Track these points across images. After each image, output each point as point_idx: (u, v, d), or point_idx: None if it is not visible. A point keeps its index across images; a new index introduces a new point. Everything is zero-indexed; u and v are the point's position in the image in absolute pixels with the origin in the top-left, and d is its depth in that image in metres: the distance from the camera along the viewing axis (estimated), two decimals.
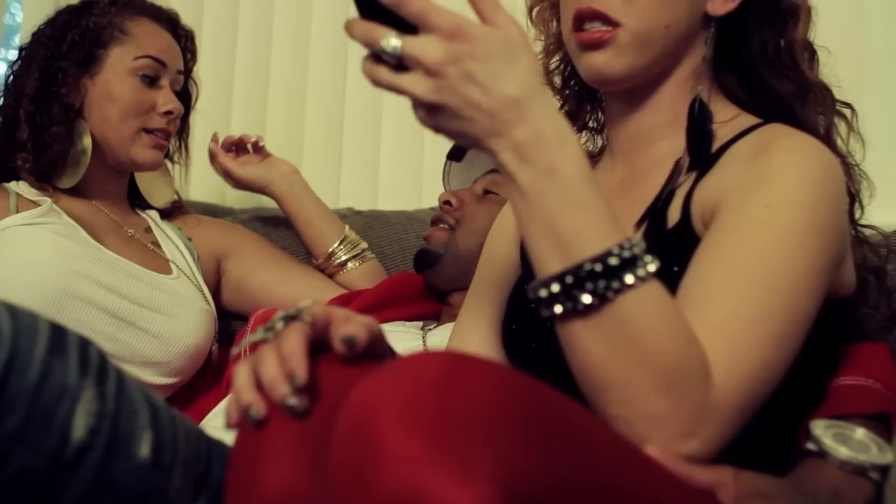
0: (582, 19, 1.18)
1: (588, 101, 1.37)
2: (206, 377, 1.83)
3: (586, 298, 0.88)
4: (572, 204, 0.89)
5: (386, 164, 2.44)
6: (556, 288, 0.89)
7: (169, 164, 1.99)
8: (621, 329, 0.88)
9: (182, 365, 1.75)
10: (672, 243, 1.11)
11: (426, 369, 0.78)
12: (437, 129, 0.90)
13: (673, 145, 1.21)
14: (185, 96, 1.94)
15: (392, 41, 0.86)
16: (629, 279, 0.88)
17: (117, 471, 0.96)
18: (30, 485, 0.92)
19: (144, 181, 1.96)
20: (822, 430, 1.04)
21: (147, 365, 1.69)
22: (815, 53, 1.27)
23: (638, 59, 1.18)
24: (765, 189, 1.05)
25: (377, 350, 1.00)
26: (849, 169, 1.24)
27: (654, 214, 1.16)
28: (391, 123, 2.42)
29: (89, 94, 1.79)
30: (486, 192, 1.79)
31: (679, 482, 0.89)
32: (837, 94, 1.27)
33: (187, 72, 1.94)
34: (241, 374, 0.91)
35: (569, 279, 0.88)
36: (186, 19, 1.96)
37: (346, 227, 2.04)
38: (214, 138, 2.06)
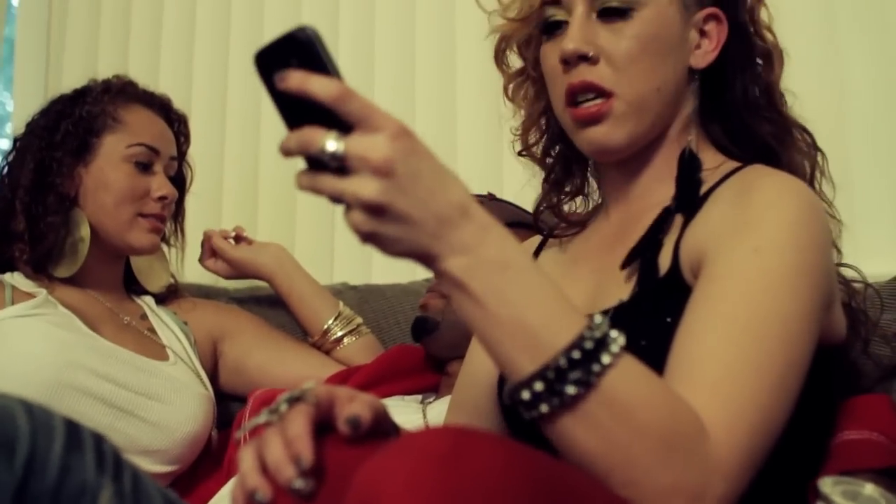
0: (574, 93, 1.18)
1: (575, 165, 1.37)
2: (206, 463, 1.81)
3: (571, 390, 0.85)
4: (533, 295, 0.87)
5: None
6: (539, 387, 0.85)
7: (165, 248, 1.99)
8: (610, 411, 0.86)
9: (181, 452, 1.73)
10: (664, 293, 1.11)
11: (429, 447, 0.78)
12: (374, 237, 0.85)
13: (665, 194, 1.21)
14: (180, 180, 1.95)
15: (334, 141, 0.81)
16: (606, 359, 0.85)
17: None
18: None
19: (140, 266, 1.96)
20: (831, 488, 1.04)
21: (146, 454, 1.68)
22: (783, 96, 1.28)
23: (636, 125, 1.19)
24: (751, 233, 1.04)
25: (382, 428, 0.99)
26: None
27: (645, 263, 1.16)
28: None
29: (84, 183, 1.80)
30: None
31: None
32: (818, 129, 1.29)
33: (181, 155, 1.95)
34: (247, 458, 0.90)
35: (550, 374, 0.85)
36: (175, 103, 1.97)
37: (341, 303, 2.04)
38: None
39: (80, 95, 1.87)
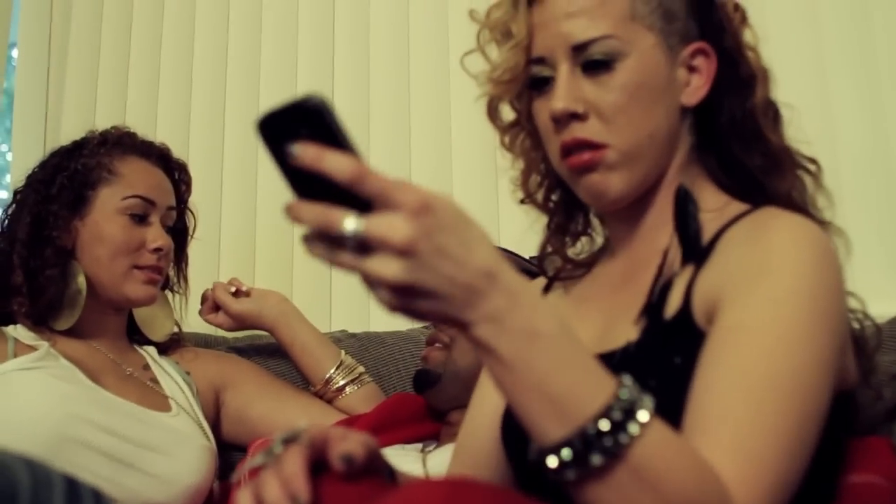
0: (569, 150, 1.19)
1: (576, 209, 1.36)
2: None
3: (598, 460, 0.84)
4: (561, 363, 0.85)
5: None
6: (566, 455, 0.84)
7: (169, 295, 1.99)
8: (637, 480, 0.85)
9: None
10: (673, 334, 1.10)
11: (425, 498, 0.78)
12: (405, 310, 0.83)
13: (670, 232, 1.20)
14: (182, 228, 1.96)
15: (353, 223, 0.78)
16: (635, 429, 0.84)
17: None
18: None
19: (143, 315, 1.96)
20: None
21: None
22: (779, 112, 1.27)
23: (631, 173, 1.19)
24: (767, 281, 1.03)
25: (375, 466, 1.00)
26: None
27: (653, 305, 1.15)
28: None
29: (80, 236, 1.80)
30: None
31: None
32: (806, 151, 1.27)
33: (182, 204, 1.96)
34: (244, 500, 0.90)
35: (577, 444, 0.84)
36: (173, 152, 1.97)
37: (343, 352, 2.04)
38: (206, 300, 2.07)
39: (77, 148, 1.87)
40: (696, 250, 1.15)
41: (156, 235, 1.83)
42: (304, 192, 0.81)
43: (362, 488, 0.91)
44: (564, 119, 1.18)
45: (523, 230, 1.43)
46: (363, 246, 0.79)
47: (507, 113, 1.33)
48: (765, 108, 1.24)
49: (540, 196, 1.36)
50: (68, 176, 1.82)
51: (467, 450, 1.33)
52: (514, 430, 1.21)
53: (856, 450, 1.21)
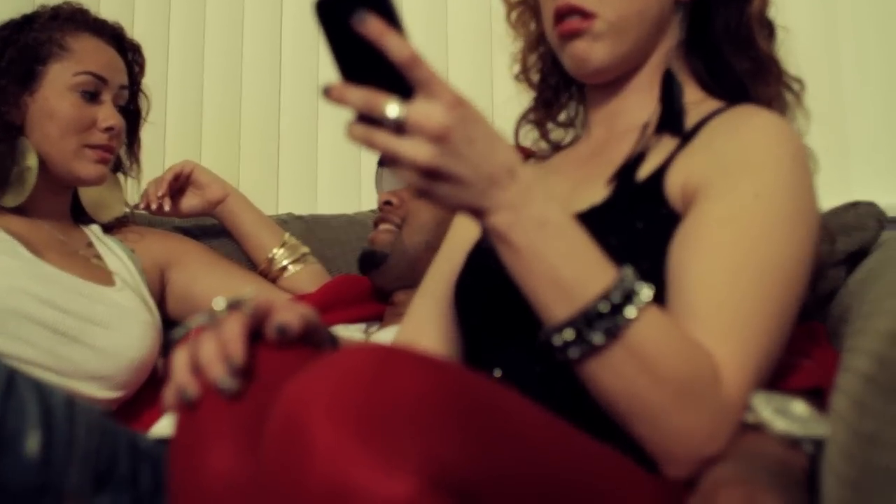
0: (561, 15, 1.23)
1: (565, 92, 1.43)
2: (151, 390, 1.80)
3: (598, 339, 0.93)
4: (569, 252, 0.94)
5: (324, 168, 2.45)
6: (569, 335, 0.94)
7: (121, 178, 1.97)
8: (634, 360, 0.93)
9: (127, 378, 1.73)
10: (639, 199, 1.16)
11: (356, 363, 0.79)
12: (427, 194, 0.92)
13: (646, 115, 1.26)
14: (135, 109, 1.93)
15: (396, 108, 0.87)
16: (631, 312, 0.93)
17: (3, 469, 0.96)
18: None
19: (92, 197, 1.94)
20: (761, 404, 1.06)
21: (91, 379, 1.67)
22: (774, 31, 1.33)
23: (616, 45, 1.24)
24: (751, 177, 1.09)
25: (316, 338, 1.03)
26: None
27: (623, 172, 1.21)
28: (328, 127, 2.43)
29: (29, 111, 1.77)
30: None
31: (624, 474, 0.93)
32: (796, 72, 1.33)
33: (135, 85, 1.93)
34: (180, 358, 0.93)
35: (580, 324, 0.93)
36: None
37: (287, 233, 2.05)
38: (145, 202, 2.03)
39: (27, 22, 1.83)
40: (677, 124, 1.21)
41: (108, 114, 1.80)
42: (350, 74, 0.88)
43: (296, 355, 0.93)
44: None
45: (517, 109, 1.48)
46: (400, 129, 0.87)
47: None
48: (760, 20, 1.30)
49: (534, 74, 1.43)
50: (18, 49, 1.78)
51: (419, 314, 1.37)
52: (468, 294, 1.27)
53: (799, 334, 1.24)
